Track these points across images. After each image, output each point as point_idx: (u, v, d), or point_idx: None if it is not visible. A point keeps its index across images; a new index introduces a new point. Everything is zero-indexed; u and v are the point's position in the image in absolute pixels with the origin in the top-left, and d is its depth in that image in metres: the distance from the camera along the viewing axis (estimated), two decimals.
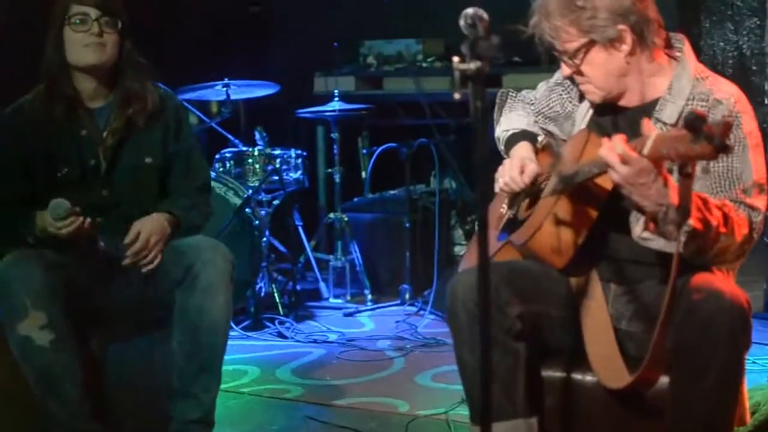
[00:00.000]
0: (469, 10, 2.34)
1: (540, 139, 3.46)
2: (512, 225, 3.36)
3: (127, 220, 3.73)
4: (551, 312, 3.17)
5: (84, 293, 3.62)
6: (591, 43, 3.03)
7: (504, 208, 3.48)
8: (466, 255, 3.74)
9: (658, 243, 2.90)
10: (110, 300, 3.72)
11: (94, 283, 3.69)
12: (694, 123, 2.46)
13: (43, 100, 3.74)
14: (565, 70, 3.14)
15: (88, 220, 3.54)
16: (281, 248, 6.42)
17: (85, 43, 3.67)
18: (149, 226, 3.69)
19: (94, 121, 3.78)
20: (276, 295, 5.98)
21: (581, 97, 3.27)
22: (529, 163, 3.29)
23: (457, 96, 2.38)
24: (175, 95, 4.01)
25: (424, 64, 7.20)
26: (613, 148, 2.70)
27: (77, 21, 3.67)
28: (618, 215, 3.02)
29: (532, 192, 3.34)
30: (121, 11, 3.73)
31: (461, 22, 2.37)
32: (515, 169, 3.28)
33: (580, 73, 3.10)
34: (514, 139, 3.44)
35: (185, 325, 3.58)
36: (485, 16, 2.34)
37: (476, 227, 3.70)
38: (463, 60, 2.34)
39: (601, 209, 3.06)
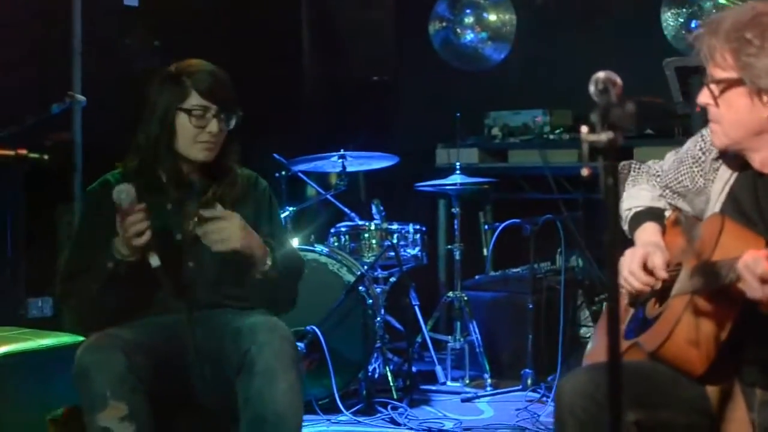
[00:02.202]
0: (601, 74, 2.08)
1: (668, 214, 3.16)
2: (639, 321, 3.04)
3: (213, 294, 3.61)
4: (678, 419, 2.84)
5: (166, 378, 3.43)
6: (739, 82, 2.74)
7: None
8: (592, 348, 3.43)
9: None
10: (196, 383, 3.51)
11: (175, 365, 3.49)
12: None
13: (131, 175, 3.62)
14: (702, 96, 2.85)
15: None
16: (397, 327, 6.18)
17: (200, 140, 3.59)
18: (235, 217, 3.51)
19: (178, 197, 3.67)
20: (390, 377, 5.71)
21: (716, 170, 2.97)
22: (655, 255, 2.97)
23: (585, 172, 2.10)
24: (263, 179, 3.88)
25: (551, 136, 6.95)
26: (751, 269, 2.41)
27: (196, 114, 3.56)
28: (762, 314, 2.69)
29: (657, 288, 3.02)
30: (237, 106, 3.66)
31: (591, 88, 2.11)
32: (636, 263, 2.97)
33: (715, 105, 2.82)
34: (638, 218, 3.16)
35: (249, 416, 3.32)
36: (618, 80, 2.09)
37: (605, 319, 3.39)
38: (593, 130, 2.07)
39: (742, 307, 2.72)
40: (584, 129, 2.11)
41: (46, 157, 3.04)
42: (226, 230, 3.47)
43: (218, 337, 3.50)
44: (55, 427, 3.59)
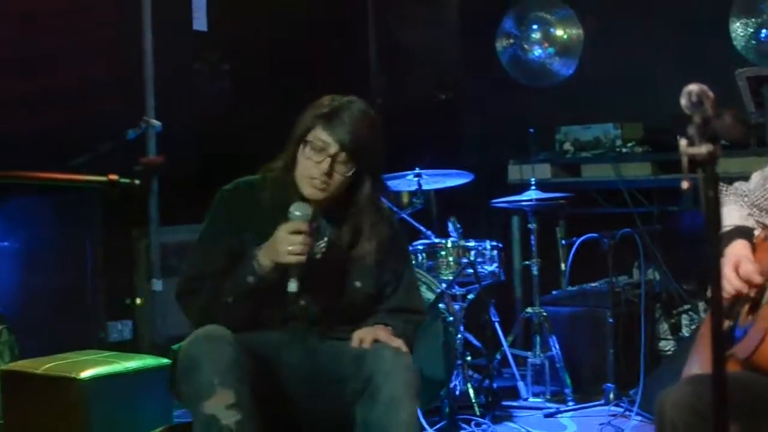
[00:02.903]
0: (693, 87, 2.08)
1: (757, 233, 3.15)
2: (733, 332, 3.03)
3: (323, 333, 3.59)
4: None
5: (271, 389, 3.45)
6: None
7: None
8: (689, 361, 3.40)
9: None
10: (297, 404, 3.53)
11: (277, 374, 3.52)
12: None
13: (266, 183, 3.65)
14: None
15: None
16: (476, 344, 6.16)
17: (311, 175, 3.52)
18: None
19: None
20: (472, 394, 5.69)
21: None
22: (746, 262, 2.96)
23: (685, 185, 2.09)
24: (395, 216, 3.88)
25: (624, 150, 6.90)
26: None
27: (314, 148, 3.51)
28: None
29: (750, 296, 3.01)
30: (364, 151, 3.53)
31: (683, 101, 2.10)
32: (729, 268, 2.96)
33: None
34: (728, 237, 3.14)
35: None
36: (710, 93, 2.07)
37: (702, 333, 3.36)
38: (691, 143, 2.06)
39: None
40: (683, 142, 2.11)
41: (137, 182, 3.04)
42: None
43: (335, 360, 3.50)
44: None
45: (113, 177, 2.99)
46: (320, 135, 3.50)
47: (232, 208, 3.64)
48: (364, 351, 3.43)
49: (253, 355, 3.41)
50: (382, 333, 3.48)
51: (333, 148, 3.50)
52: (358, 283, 3.64)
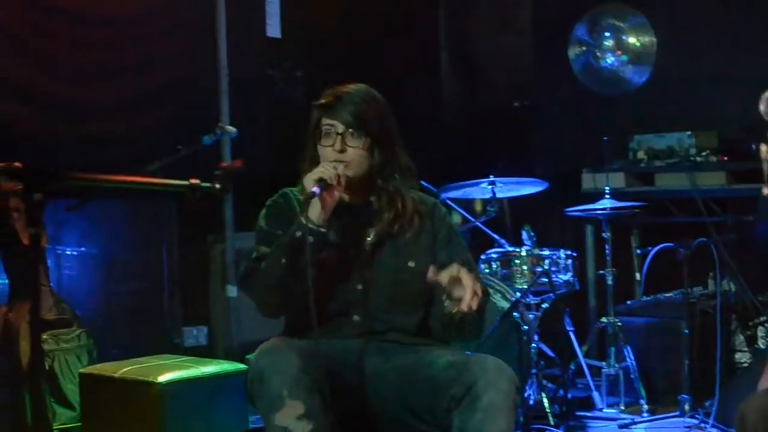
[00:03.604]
0: None
1: None
2: None
3: (382, 320, 3.62)
4: None
5: (345, 394, 3.45)
6: None
7: None
8: (766, 372, 3.37)
9: None
10: (372, 407, 3.53)
11: (349, 380, 3.51)
12: None
13: (297, 195, 3.73)
14: None
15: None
16: (551, 354, 6.13)
17: (329, 158, 3.62)
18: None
19: (353, 216, 3.70)
20: (546, 403, 5.66)
21: None
22: None
23: (766, 191, 2.07)
24: (440, 203, 3.90)
25: (698, 159, 6.85)
26: None
27: (324, 134, 3.64)
28: None
29: None
30: (370, 123, 3.65)
31: (762, 107, 2.07)
32: None
33: None
34: None
35: None
36: None
37: None
38: None
39: None
40: (763, 148, 2.08)
41: (217, 186, 3.06)
42: (471, 292, 3.41)
43: (427, 366, 3.49)
44: None
45: (194, 181, 3.00)
46: (326, 122, 3.64)
47: (277, 214, 3.72)
48: (470, 360, 3.43)
49: (326, 364, 3.41)
50: (464, 273, 3.43)
51: (339, 128, 3.62)
52: (411, 263, 3.67)
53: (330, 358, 3.45)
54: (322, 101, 3.68)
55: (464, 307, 3.38)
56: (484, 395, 3.29)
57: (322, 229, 3.50)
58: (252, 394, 3.42)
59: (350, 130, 3.61)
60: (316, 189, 3.47)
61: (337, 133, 3.61)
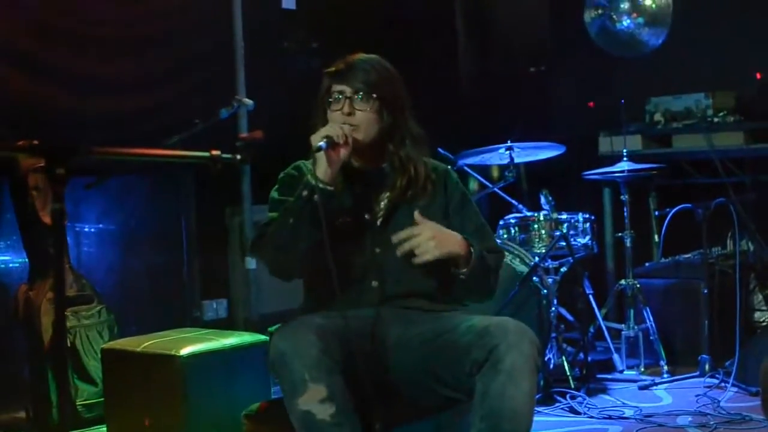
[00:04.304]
0: None
1: None
2: None
3: (399, 284, 3.64)
4: None
5: (363, 363, 3.44)
6: None
7: None
8: None
9: None
10: (395, 376, 3.55)
11: (371, 351, 3.53)
12: None
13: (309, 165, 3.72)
14: None
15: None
16: (570, 317, 6.14)
17: (338, 122, 3.62)
18: (432, 225, 3.55)
19: (366, 182, 3.73)
20: (566, 367, 5.67)
21: None
22: None
23: None
24: (452, 170, 3.91)
25: (715, 119, 6.84)
26: None
27: (333, 99, 3.66)
28: None
29: None
30: (379, 86, 3.68)
31: None
32: None
33: None
34: None
35: (485, 411, 3.31)
36: None
37: None
38: None
39: None
40: None
41: (239, 157, 3.07)
42: (421, 245, 3.50)
43: (449, 330, 3.50)
44: (251, 423, 3.64)
45: (216, 152, 3.02)
46: (335, 87, 3.67)
47: (289, 185, 3.73)
48: (491, 324, 3.43)
49: (347, 340, 3.43)
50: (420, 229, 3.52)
51: (348, 92, 3.65)
52: None
53: (351, 331, 3.46)
54: (333, 68, 3.70)
55: (399, 251, 3.50)
56: (506, 358, 3.30)
57: (329, 187, 3.52)
58: (275, 375, 3.43)
59: (359, 94, 3.64)
60: (322, 143, 3.49)
61: (346, 97, 3.64)
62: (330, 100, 3.67)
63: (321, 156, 3.51)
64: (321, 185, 3.49)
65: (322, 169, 3.52)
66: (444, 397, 3.52)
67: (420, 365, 3.53)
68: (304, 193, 3.49)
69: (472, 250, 3.60)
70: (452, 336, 3.48)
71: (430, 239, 3.50)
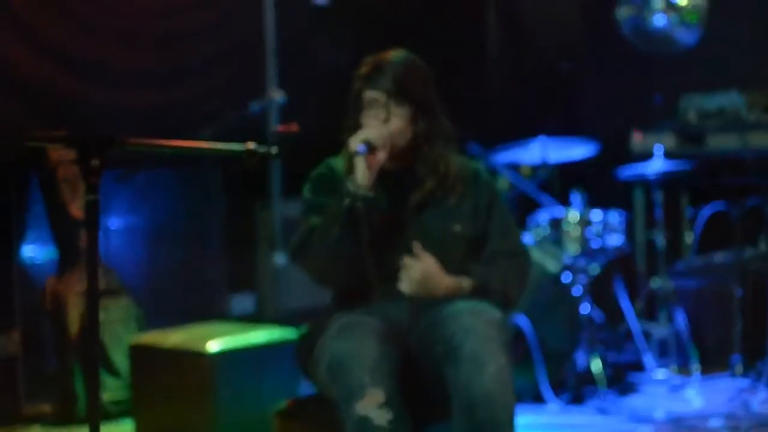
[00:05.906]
0: None
1: None
2: None
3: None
4: None
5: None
6: None
7: None
8: None
9: None
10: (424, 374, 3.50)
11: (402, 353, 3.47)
12: None
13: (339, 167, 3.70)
14: None
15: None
16: (601, 316, 6.10)
17: (376, 127, 3.58)
18: (428, 266, 3.51)
19: (398, 182, 3.67)
20: (597, 367, 5.63)
21: None
22: None
23: None
24: (486, 169, 3.86)
25: (749, 118, 6.76)
26: None
27: (369, 106, 3.60)
28: None
29: None
30: (412, 90, 3.62)
31: None
32: None
33: None
34: None
35: (458, 403, 3.25)
36: None
37: None
38: None
39: None
40: None
41: (274, 150, 3.03)
42: (405, 277, 3.50)
43: (432, 324, 3.48)
44: (282, 421, 3.61)
45: (251, 146, 2.98)
46: (368, 94, 3.60)
47: (321, 184, 3.69)
48: (447, 312, 3.41)
49: (392, 336, 3.41)
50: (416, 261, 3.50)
51: (382, 98, 3.59)
52: (457, 227, 3.65)
53: (392, 330, 3.45)
54: (363, 71, 3.65)
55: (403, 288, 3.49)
56: (465, 344, 3.25)
57: (370, 194, 3.48)
58: (331, 379, 3.36)
59: (392, 99, 3.59)
60: (361, 147, 3.45)
61: (381, 103, 3.59)
62: (363, 104, 3.61)
63: (360, 160, 3.48)
64: (362, 192, 3.46)
65: (361, 174, 3.48)
66: (441, 392, 3.46)
67: (426, 361, 3.48)
68: (346, 202, 3.46)
69: (465, 286, 3.56)
70: (433, 330, 3.45)
71: (415, 275, 3.49)
